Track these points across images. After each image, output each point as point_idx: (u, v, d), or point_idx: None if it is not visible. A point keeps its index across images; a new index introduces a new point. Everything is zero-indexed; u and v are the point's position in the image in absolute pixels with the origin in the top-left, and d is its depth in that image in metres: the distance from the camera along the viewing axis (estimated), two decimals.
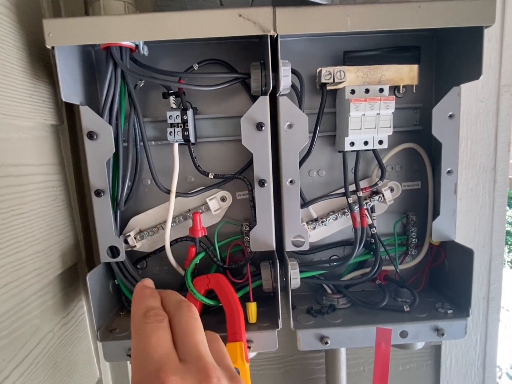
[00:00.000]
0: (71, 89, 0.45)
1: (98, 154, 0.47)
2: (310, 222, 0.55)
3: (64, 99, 0.43)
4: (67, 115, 0.52)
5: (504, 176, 0.58)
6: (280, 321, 0.49)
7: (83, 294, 0.56)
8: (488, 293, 0.62)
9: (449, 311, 0.51)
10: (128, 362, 0.61)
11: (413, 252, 0.57)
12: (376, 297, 0.54)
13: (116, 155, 0.50)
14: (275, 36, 0.43)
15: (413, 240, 0.56)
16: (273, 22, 0.42)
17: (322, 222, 0.55)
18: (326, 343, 0.49)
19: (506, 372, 3.21)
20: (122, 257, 0.51)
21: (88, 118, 0.46)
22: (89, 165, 0.48)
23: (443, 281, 0.56)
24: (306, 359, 0.65)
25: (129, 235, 0.54)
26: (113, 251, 0.51)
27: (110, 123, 0.47)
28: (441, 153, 0.50)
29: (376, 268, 0.53)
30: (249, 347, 0.49)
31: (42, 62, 0.47)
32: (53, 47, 0.42)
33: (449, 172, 0.51)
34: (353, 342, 0.50)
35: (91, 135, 0.46)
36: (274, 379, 0.66)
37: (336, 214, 0.55)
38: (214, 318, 0.51)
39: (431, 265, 0.56)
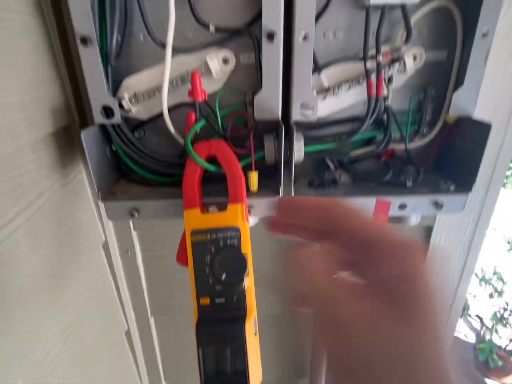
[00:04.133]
0: None
1: None
2: (320, 92, 0.51)
3: None
4: None
5: None
6: (281, 189, 0.49)
7: (80, 159, 0.54)
8: (491, 179, 0.61)
9: (452, 187, 0.50)
10: (130, 221, 0.64)
11: (424, 131, 0.54)
12: (379, 173, 0.53)
13: (101, 2, 0.43)
14: None
15: (427, 117, 0.53)
16: None
17: (334, 92, 0.50)
18: None
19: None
20: (117, 118, 0.48)
21: None
22: (70, 5, 0.41)
23: (450, 162, 0.54)
24: None
25: (124, 97, 0.50)
26: (107, 111, 0.48)
27: None
28: (480, 10, 0.43)
29: (384, 143, 0.51)
30: (249, 212, 0.49)
31: None
32: None
33: (484, 35, 0.44)
34: None
35: None
36: (269, 247, 0.70)
37: (350, 83, 0.50)
38: (216, 187, 0.50)
39: (441, 143, 0.54)
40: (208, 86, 0.51)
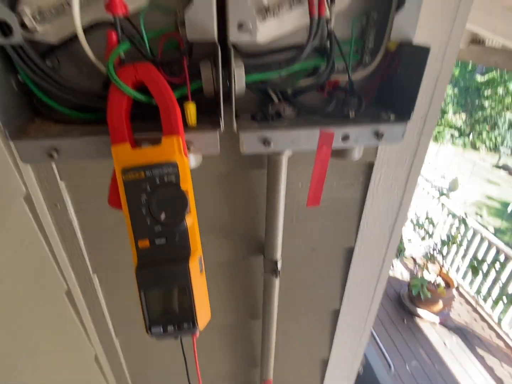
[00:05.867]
0: None
1: None
2: (259, 12, 0.46)
3: None
4: None
5: None
6: (222, 121, 0.45)
7: None
8: (428, 112, 0.63)
9: (392, 116, 0.51)
10: (56, 170, 0.56)
11: (367, 60, 0.53)
12: (323, 105, 0.52)
13: None
14: None
15: (370, 44, 0.51)
16: None
17: (274, 12, 0.46)
18: (269, 145, 0.48)
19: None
20: (17, 37, 0.39)
21: None
22: None
23: (391, 93, 0.54)
24: (248, 175, 0.66)
25: (25, 13, 0.41)
26: (3, 27, 0.39)
27: None
28: None
29: (327, 71, 0.49)
30: (188, 149, 0.45)
31: None
32: None
33: None
34: (296, 144, 0.49)
35: None
36: (216, 192, 0.67)
37: (291, 2, 0.46)
38: (147, 123, 0.45)
39: (384, 73, 0.53)
40: (131, 2, 0.43)
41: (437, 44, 0.58)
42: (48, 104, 0.46)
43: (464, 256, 3.92)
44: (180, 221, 0.42)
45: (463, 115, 9.39)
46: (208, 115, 0.49)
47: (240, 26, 0.43)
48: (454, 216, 4.05)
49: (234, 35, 0.43)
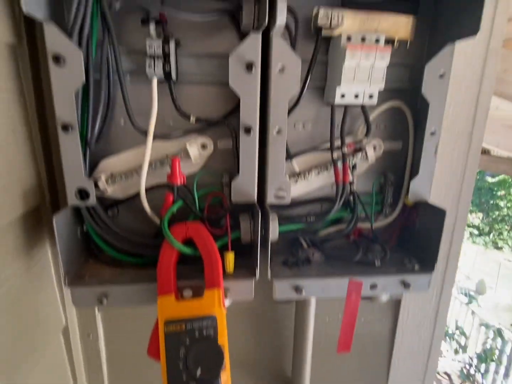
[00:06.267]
0: (34, 0, 0.38)
1: (66, 82, 0.41)
2: (292, 176, 0.54)
3: (25, 11, 0.36)
4: (27, 34, 0.45)
5: (479, 143, 0.60)
6: (258, 271, 0.49)
7: (47, 239, 0.52)
8: (449, 253, 0.66)
9: (416, 266, 0.53)
10: (96, 308, 0.59)
11: (387, 211, 0.58)
12: (349, 251, 0.56)
13: (85, 88, 0.45)
14: None
15: (389, 199, 0.58)
16: None
17: (304, 176, 0.54)
18: (301, 292, 0.50)
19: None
20: (92, 200, 0.47)
21: (54, 39, 0.40)
22: (55, 95, 0.42)
23: (412, 240, 0.58)
24: (277, 310, 0.67)
25: (100, 179, 0.50)
26: (82, 194, 0.47)
27: (80, 47, 0.41)
28: (428, 113, 0.50)
29: (352, 224, 0.54)
30: (225, 296, 0.48)
31: None
32: None
33: (432, 133, 0.51)
34: (326, 292, 0.51)
35: (57, 59, 0.40)
36: (245, 327, 0.68)
37: (318, 169, 0.54)
38: (191, 267, 0.50)
39: (403, 224, 0.58)
40: (186, 169, 0.52)
41: (449, 205, 0.64)
42: (103, 248, 0.52)
43: (506, 376, 3.44)
44: (215, 378, 0.42)
45: (480, 214, 9.38)
46: (243, 256, 0.53)
47: (277, 191, 0.50)
48: (487, 327, 3.70)
49: (272, 199, 0.50)
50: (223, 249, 0.50)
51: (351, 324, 0.53)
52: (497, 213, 9.06)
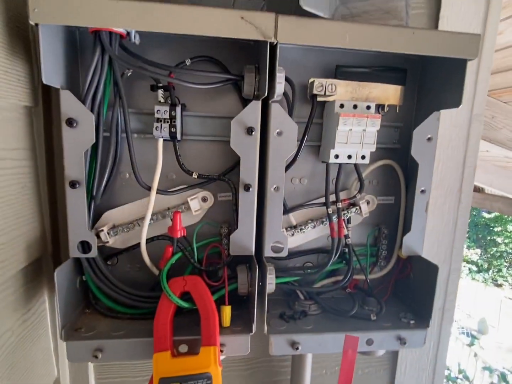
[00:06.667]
0: (53, 71, 0.42)
1: (77, 143, 0.44)
2: (289, 229, 0.56)
3: (44, 81, 0.40)
4: (43, 98, 0.48)
5: (468, 198, 0.62)
6: (254, 326, 0.49)
7: (46, 289, 0.52)
8: (444, 305, 0.66)
9: (412, 321, 0.54)
10: (90, 362, 0.58)
11: (382, 263, 0.60)
12: (345, 304, 0.56)
13: (94, 145, 0.47)
14: (274, 43, 0.42)
15: (383, 252, 0.59)
16: (275, 29, 0.42)
17: (301, 229, 0.56)
18: (297, 348, 0.50)
19: None
20: (94, 253, 0.48)
21: (69, 104, 0.43)
22: (65, 155, 0.44)
23: (407, 292, 0.59)
24: (272, 361, 0.66)
25: (102, 230, 0.51)
26: (84, 246, 0.48)
27: (91, 111, 0.45)
28: (417, 173, 0.53)
29: (348, 277, 0.55)
30: (221, 351, 0.48)
31: (20, 37, 0.43)
32: (37, 24, 0.38)
33: (422, 191, 0.54)
34: (323, 348, 0.51)
35: (70, 123, 0.43)
36: (240, 379, 0.66)
37: (315, 223, 0.56)
38: (187, 319, 0.50)
39: (397, 276, 0.59)
40: (187, 220, 0.54)
41: (443, 248, 0.66)
42: (100, 299, 0.53)
43: None
44: None
45: (478, 250, 9.33)
46: (240, 307, 0.53)
47: (274, 244, 0.51)
48: (491, 371, 3.57)
49: (269, 252, 0.51)
50: (220, 301, 0.51)
51: (349, 379, 0.53)
52: (494, 249, 9.02)
